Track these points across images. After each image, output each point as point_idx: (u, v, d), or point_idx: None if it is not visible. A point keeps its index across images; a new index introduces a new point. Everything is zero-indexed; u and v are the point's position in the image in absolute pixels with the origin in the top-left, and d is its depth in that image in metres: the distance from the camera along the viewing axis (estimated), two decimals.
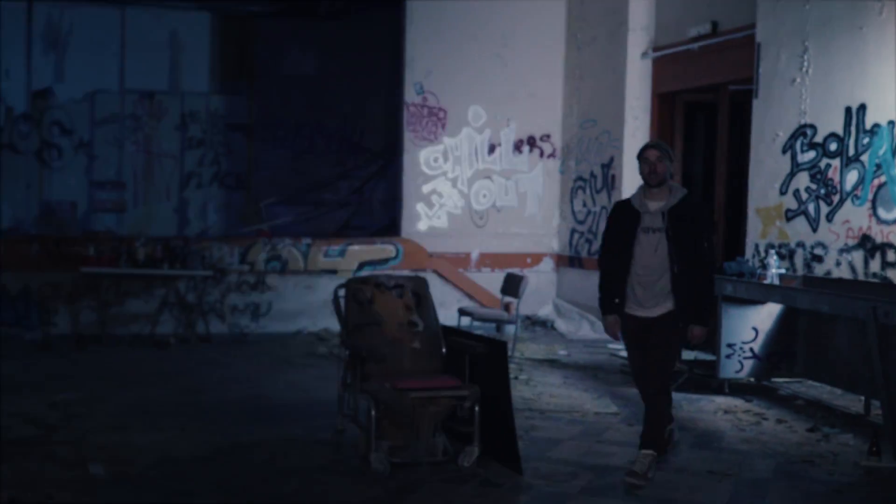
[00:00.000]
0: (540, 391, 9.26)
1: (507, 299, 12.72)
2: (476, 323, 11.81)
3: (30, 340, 11.77)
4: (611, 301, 6.50)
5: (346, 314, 6.98)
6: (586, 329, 13.17)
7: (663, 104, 12.86)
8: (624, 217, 6.42)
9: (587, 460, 6.74)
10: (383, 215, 15.52)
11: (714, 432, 7.78)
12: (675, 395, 8.96)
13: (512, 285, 11.09)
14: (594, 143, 13.60)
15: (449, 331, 7.11)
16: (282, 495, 5.91)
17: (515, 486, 6.13)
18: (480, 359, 6.55)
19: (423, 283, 7.35)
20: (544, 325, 13.83)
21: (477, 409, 6.37)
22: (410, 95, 13.70)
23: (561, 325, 13.54)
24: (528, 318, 13.96)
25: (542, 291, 14.17)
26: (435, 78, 13.75)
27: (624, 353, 11.34)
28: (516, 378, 9.85)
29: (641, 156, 6.32)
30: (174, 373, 10.08)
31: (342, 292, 7.10)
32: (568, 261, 14.13)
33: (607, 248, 6.63)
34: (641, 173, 6.35)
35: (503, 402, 6.42)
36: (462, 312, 11.17)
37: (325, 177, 16.41)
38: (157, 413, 8.04)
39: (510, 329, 12.94)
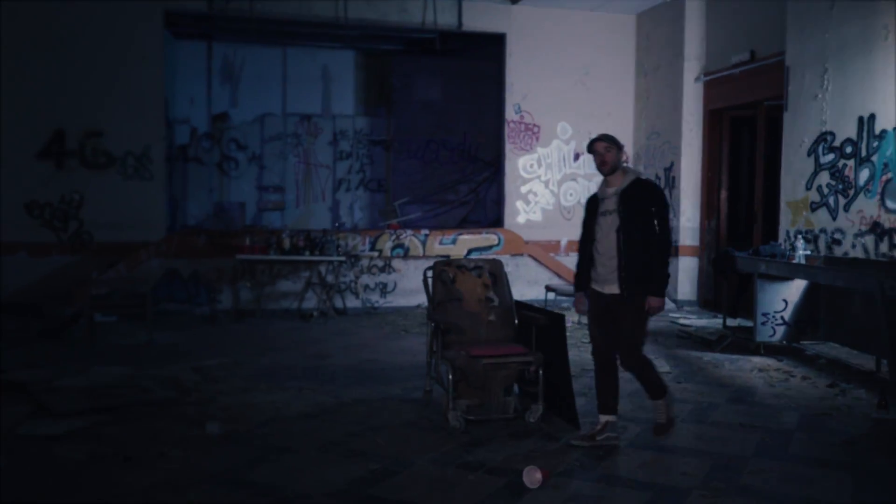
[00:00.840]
0: None
1: None
2: (559, 297, 11.85)
3: (199, 315, 12.09)
4: (579, 279, 6.04)
5: (433, 292, 6.84)
6: None
7: (713, 119, 12.62)
8: (591, 205, 5.97)
9: (638, 415, 6.61)
10: (494, 211, 15.48)
11: (749, 388, 7.63)
12: (719, 356, 8.98)
13: None
14: (658, 151, 13.42)
15: (520, 305, 6.94)
16: (369, 447, 5.75)
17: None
18: (545, 329, 6.52)
19: (498, 265, 7.05)
20: None
21: (541, 372, 6.29)
22: (510, 114, 13.72)
23: None
24: None
25: None
26: (530, 100, 13.74)
27: (680, 321, 11.38)
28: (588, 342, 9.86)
29: (591, 149, 5.81)
30: (309, 341, 10.05)
31: (430, 273, 6.94)
32: None
33: (582, 233, 6.07)
34: (596, 165, 5.86)
35: (562, 366, 6.38)
36: (548, 289, 11.20)
37: (448, 181, 16.49)
38: (283, 376, 7.94)
39: None
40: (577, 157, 13.87)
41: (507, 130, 13.66)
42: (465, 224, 15.49)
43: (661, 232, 5.68)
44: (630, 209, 5.65)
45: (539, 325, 6.52)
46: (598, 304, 5.92)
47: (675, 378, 8.04)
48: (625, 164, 5.92)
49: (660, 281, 5.71)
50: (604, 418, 5.98)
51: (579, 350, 9.39)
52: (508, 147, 13.68)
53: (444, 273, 6.87)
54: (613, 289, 5.76)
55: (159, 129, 12.61)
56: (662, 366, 8.53)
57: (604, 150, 5.75)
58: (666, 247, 5.73)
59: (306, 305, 12.44)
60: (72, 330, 10.30)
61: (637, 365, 5.91)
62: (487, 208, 15.61)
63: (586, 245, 5.98)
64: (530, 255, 13.50)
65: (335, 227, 13.14)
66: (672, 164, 12.95)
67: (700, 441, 6.06)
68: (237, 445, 5.80)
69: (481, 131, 15.49)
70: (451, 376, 6.26)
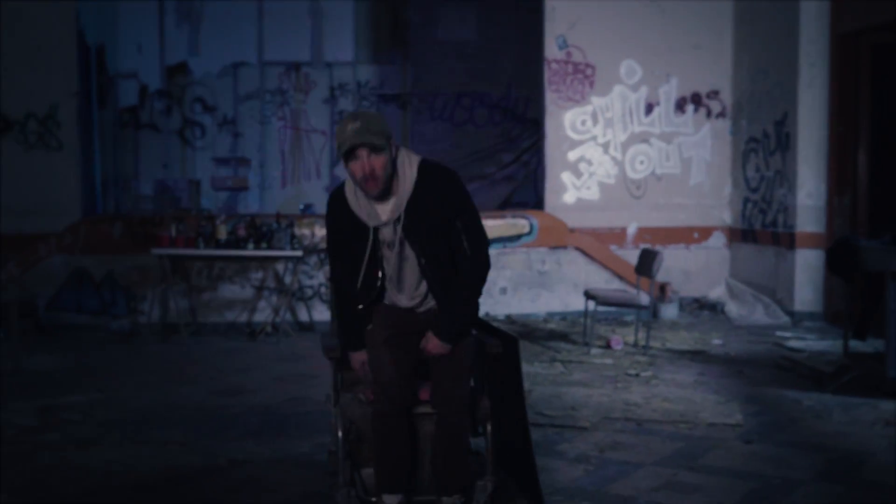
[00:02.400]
0: (655, 393, 7.62)
1: (663, 281, 11.21)
2: (604, 309, 10.22)
3: (116, 330, 11.08)
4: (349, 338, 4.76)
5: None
6: (760, 313, 11.34)
7: (845, 47, 10.82)
8: (349, 229, 4.47)
9: (656, 499, 5.14)
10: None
11: (861, 454, 6.00)
12: (831, 400, 7.42)
13: (645, 263, 9.43)
14: (765, 98, 11.67)
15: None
16: None
17: None
18: (501, 360, 5.07)
19: None
20: (714, 308, 12.06)
21: (489, 427, 4.93)
22: (552, 51, 12.10)
23: (732, 308, 11.75)
24: (696, 301, 12.24)
25: (712, 270, 12.39)
26: (580, 30, 12.08)
27: (789, 343, 9.68)
28: (637, 375, 8.30)
29: (348, 156, 4.20)
30: (235, 369, 9.04)
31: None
32: (741, 235, 12.27)
33: (336, 270, 4.76)
34: (352, 177, 4.30)
35: (518, 416, 4.92)
36: (588, 296, 9.61)
37: (487, 149, 15.15)
38: (158, 422, 6.95)
39: (668, 312, 11.38)
40: (649, 108, 12.20)
41: (547, 74, 12.09)
42: (509, 207, 14.05)
43: (474, 248, 4.49)
44: (423, 230, 4.39)
45: (491, 353, 5.00)
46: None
47: (743, 434, 6.43)
48: (395, 151, 4.38)
49: (455, 321, 4.54)
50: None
51: (617, 388, 7.84)
52: (550, 97, 12.11)
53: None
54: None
55: (69, 81, 11.52)
56: (732, 414, 6.91)
57: (368, 156, 4.21)
58: (482, 271, 4.58)
59: (259, 318, 11.14)
60: None
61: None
62: (539, 185, 14.07)
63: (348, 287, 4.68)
64: (577, 248, 11.91)
65: (302, 211, 11.77)
66: (785, 116, 11.20)
67: None
68: None
69: (531, 81, 14.00)
70: (340, 435, 4.84)
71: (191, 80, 14.92)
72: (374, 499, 4.71)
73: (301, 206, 12.17)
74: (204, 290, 11.35)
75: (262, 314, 11.18)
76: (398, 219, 4.34)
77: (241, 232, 10.46)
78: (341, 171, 14.65)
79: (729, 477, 5.49)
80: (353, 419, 4.81)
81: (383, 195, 4.30)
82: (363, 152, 4.14)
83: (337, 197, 4.47)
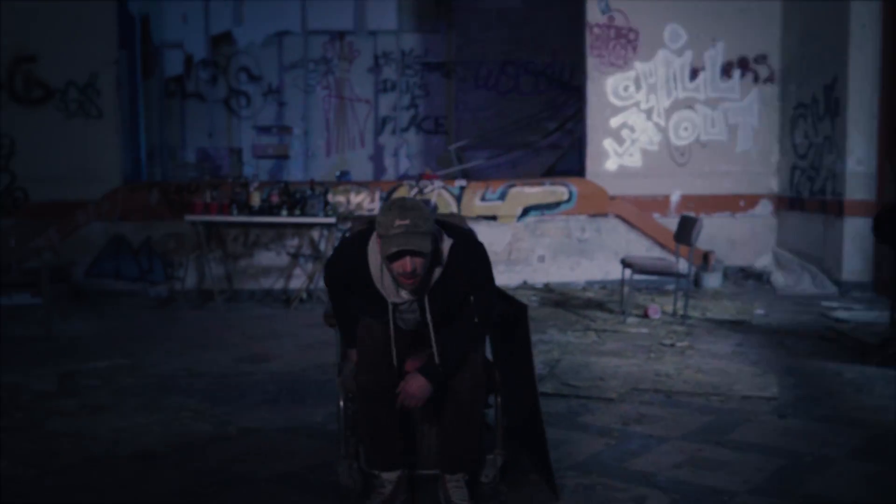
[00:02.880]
0: (688, 364, 7.16)
1: (706, 250, 10.73)
2: (642, 277, 9.76)
3: (154, 297, 10.86)
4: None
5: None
6: (807, 283, 10.81)
7: None
8: (362, 286, 4.21)
9: (678, 476, 4.70)
10: None
11: None
12: (875, 372, 6.96)
13: (684, 230, 8.96)
14: (815, 62, 11.05)
15: None
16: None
17: None
18: (509, 326, 4.69)
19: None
20: (759, 278, 11.53)
21: (498, 399, 4.56)
22: (594, 15, 11.57)
23: (778, 278, 11.22)
24: (741, 270, 11.71)
25: (758, 239, 11.83)
26: None
27: (835, 313, 9.17)
28: (672, 346, 7.84)
29: (395, 258, 3.88)
30: (264, 335, 8.72)
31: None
32: (788, 203, 11.70)
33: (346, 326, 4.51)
34: (388, 269, 3.98)
35: (528, 389, 4.54)
36: (625, 264, 9.16)
37: (531, 118, 14.71)
38: (177, 388, 6.65)
39: (711, 282, 10.89)
40: (694, 74, 11.64)
41: (589, 39, 11.57)
42: (553, 176, 13.61)
43: (481, 318, 4.26)
44: (443, 307, 4.19)
45: (501, 319, 4.64)
46: None
47: (778, 408, 5.96)
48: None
49: (445, 363, 4.16)
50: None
51: (650, 358, 7.41)
52: (592, 62, 11.58)
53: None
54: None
55: (109, 50, 11.22)
56: (769, 387, 6.44)
57: (412, 258, 3.91)
58: (481, 334, 4.34)
59: (295, 285, 10.82)
60: None
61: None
62: (583, 153, 13.63)
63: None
64: (618, 216, 11.42)
65: (338, 178, 11.43)
66: (835, 81, 10.60)
67: None
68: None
69: (576, 48, 13.53)
70: (341, 405, 4.51)
71: (235, 50, 14.69)
72: (375, 472, 4.38)
73: (337, 174, 11.85)
74: (240, 257, 11.05)
75: (298, 281, 10.84)
76: (422, 301, 4.11)
77: (275, 199, 10.14)
78: (386, 140, 14.40)
79: (758, 453, 5.04)
80: (352, 391, 4.47)
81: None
82: (410, 262, 3.86)
83: (357, 252, 4.14)
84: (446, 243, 4.08)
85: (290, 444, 5.30)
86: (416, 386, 4.05)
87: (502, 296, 4.83)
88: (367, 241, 4.10)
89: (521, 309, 4.51)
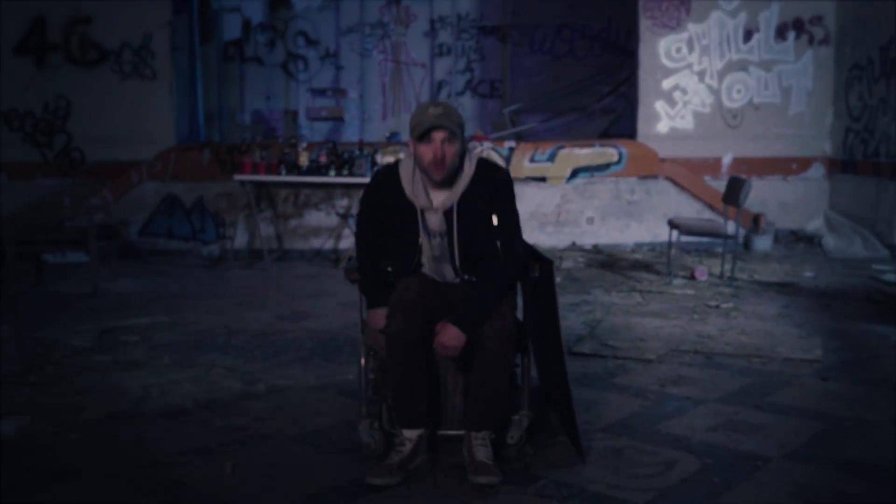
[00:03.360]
0: (732, 326, 6.83)
1: (757, 213, 10.32)
2: (691, 239, 9.40)
3: (206, 255, 10.71)
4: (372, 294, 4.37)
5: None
6: (858, 246, 10.35)
7: None
8: (391, 207, 4.21)
9: (712, 439, 4.41)
10: None
11: None
12: None
13: (733, 191, 8.57)
14: (871, 22, 10.54)
15: None
16: (198, 480, 4.12)
17: (550, 494, 3.83)
18: (537, 286, 4.41)
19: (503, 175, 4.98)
20: (811, 241, 11.09)
21: (523, 360, 4.30)
22: None
23: (829, 241, 10.76)
24: (792, 233, 11.27)
25: (810, 202, 11.36)
26: None
27: (885, 276, 8.76)
28: (717, 307, 7.51)
29: (423, 137, 3.96)
30: (307, 294, 8.48)
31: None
32: (841, 166, 11.22)
33: (364, 246, 4.43)
34: (419, 159, 4.02)
35: (554, 347, 4.27)
36: (672, 225, 8.81)
37: (585, 81, 14.30)
38: (213, 346, 6.46)
39: (761, 244, 10.49)
40: (748, 35, 11.16)
41: (641, 0, 11.15)
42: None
43: (506, 251, 4.16)
44: (470, 225, 4.13)
45: (529, 278, 4.36)
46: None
47: (820, 371, 5.63)
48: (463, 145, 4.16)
49: (475, 313, 4.01)
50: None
51: (693, 320, 7.10)
52: (644, 23, 11.15)
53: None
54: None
55: (162, 12, 11.03)
56: (812, 349, 6.11)
57: (443, 142, 3.98)
58: (510, 273, 4.19)
59: (345, 245, 10.59)
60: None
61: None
62: (635, 116, 13.26)
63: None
64: (668, 178, 11.03)
65: (388, 139, 11.17)
66: (891, 42, 10.06)
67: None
68: (3, 460, 4.25)
69: (631, 11, 13.12)
70: (363, 363, 4.29)
71: (293, 14, 14.42)
72: (396, 431, 4.16)
73: (387, 135, 11.59)
74: (290, 217, 10.85)
75: (348, 241, 10.55)
76: (449, 209, 4.09)
77: (323, 159, 9.91)
78: None
79: (796, 417, 4.74)
80: (375, 348, 4.24)
81: (443, 184, 4.05)
82: (439, 137, 3.93)
83: (387, 173, 4.24)
84: (473, 160, 4.15)
85: (318, 403, 5.10)
86: (449, 336, 3.92)
87: (528, 249, 4.56)
88: (397, 164, 4.22)
89: (546, 264, 4.23)
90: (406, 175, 4.12)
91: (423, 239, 4.14)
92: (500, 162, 10.73)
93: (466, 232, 4.09)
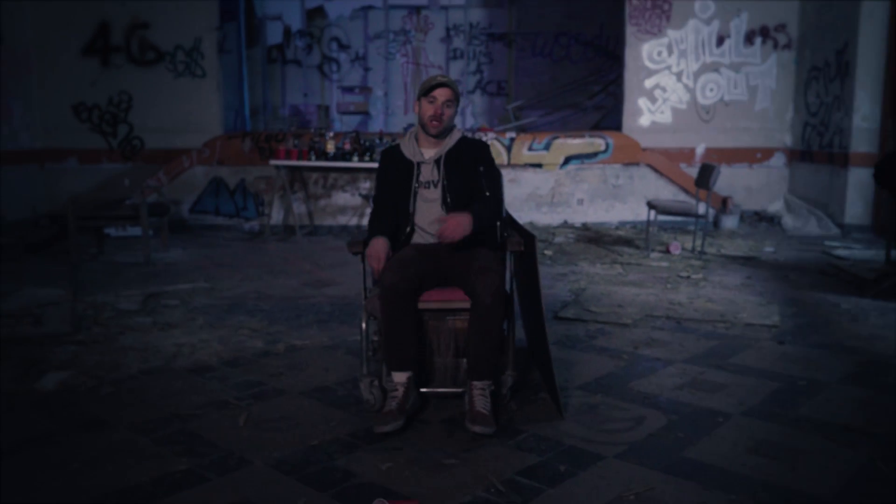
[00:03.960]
0: (700, 294, 6.52)
1: (725, 196, 9.95)
2: (666, 218, 9.08)
3: (248, 230, 10.45)
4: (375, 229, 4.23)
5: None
6: (813, 225, 9.99)
7: None
8: (394, 168, 4.20)
9: (679, 397, 4.12)
10: None
11: (892, 357, 4.82)
12: (869, 304, 6.22)
13: (704, 176, 8.23)
14: (829, 29, 10.12)
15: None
16: (215, 434, 3.91)
17: (529, 447, 3.57)
18: (523, 258, 4.13)
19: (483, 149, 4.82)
20: (771, 220, 10.72)
21: (512, 325, 4.02)
22: None
23: (787, 221, 10.40)
24: (755, 213, 10.91)
25: (772, 187, 11.00)
26: None
27: (836, 251, 8.42)
28: (688, 277, 7.20)
29: (426, 93, 4.04)
30: (333, 264, 8.14)
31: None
32: (800, 155, 10.83)
33: (376, 207, 4.29)
34: (421, 115, 4.09)
35: (535, 312, 3.99)
36: (650, 206, 8.49)
37: (580, 82, 13.96)
38: (244, 309, 6.16)
39: (728, 223, 10.15)
40: (720, 41, 10.76)
41: (628, 9, 10.74)
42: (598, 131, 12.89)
43: (491, 192, 4.17)
44: (456, 175, 4.14)
45: (514, 251, 4.09)
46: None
47: (777, 335, 5.32)
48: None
49: (476, 211, 3.98)
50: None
51: (666, 289, 6.80)
52: (630, 30, 10.77)
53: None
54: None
55: (211, 18, 10.73)
56: (771, 315, 5.80)
57: (445, 102, 4.08)
58: (496, 209, 4.17)
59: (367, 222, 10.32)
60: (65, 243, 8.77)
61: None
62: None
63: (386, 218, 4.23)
64: (648, 165, 10.68)
65: (405, 130, 10.86)
66: (846, 46, 9.68)
67: (741, 462, 3.46)
68: (42, 411, 4.03)
69: (620, 20, 12.74)
70: (363, 325, 4.02)
71: (327, 23, 14.14)
72: (389, 385, 3.90)
73: (405, 126, 11.30)
74: (320, 197, 10.57)
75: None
76: (439, 160, 4.11)
77: (347, 146, 9.62)
78: None
79: (755, 377, 4.44)
80: (375, 314, 3.97)
81: (436, 138, 4.12)
82: (442, 95, 4.02)
83: (391, 150, 4.30)
84: (458, 131, 4.25)
85: (328, 361, 4.82)
86: (455, 220, 3.84)
87: (512, 222, 4.31)
88: (398, 144, 4.26)
89: (529, 238, 3.94)
90: (405, 141, 4.22)
91: (416, 185, 4.12)
92: (502, 152, 10.42)
93: (455, 178, 4.09)
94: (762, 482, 3.17)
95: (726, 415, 3.87)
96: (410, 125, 11.25)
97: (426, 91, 4.02)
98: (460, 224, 3.81)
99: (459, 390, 4.02)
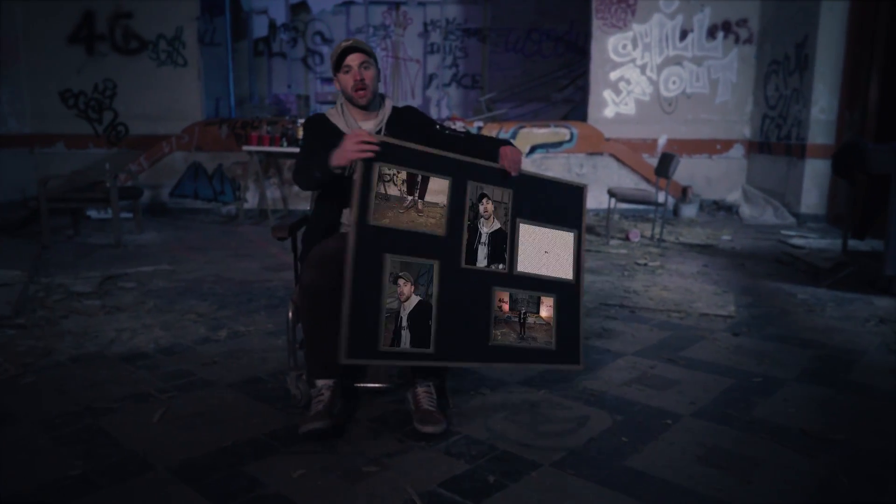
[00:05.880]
0: (656, 282, 5.95)
1: (685, 185, 9.36)
2: (624, 206, 8.49)
3: (225, 214, 9.84)
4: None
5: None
6: (769, 214, 9.43)
7: None
8: (328, 138, 3.20)
9: (626, 395, 3.54)
10: None
11: (850, 352, 4.22)
12: (826, 294, 5.61)
13: (664, 165, 7.64)
14: (789, 22, 9.53)
15: None
16: (120, 430, 3.29)
17: (459, 451, 3.07)
18: None
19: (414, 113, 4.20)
20: (730, 210, 10.15)
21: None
22: None
23: (745, 210, 9.83)
24: (714, 203, 10.34)
25: (731, 177, 10.42)
26: None
27: (792, 240, 7.85)
28: (645, 265, 6.62)
29: (339, 65, 3.27)
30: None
31: None
32: (758, 147, 10.25)
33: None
34: (344, 89, 3.30)
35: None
36: (610, 194, 7.90)
37: (550, 76, 13.32)
38: (198, 293, 5.59)
39: (687, 212, 9.57)
40: (684, 35, 10.15)
41: (594, 3, 10.12)
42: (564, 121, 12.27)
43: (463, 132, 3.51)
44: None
45: None
46: None
47: (733, 326, 4.74)
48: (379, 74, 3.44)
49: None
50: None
51: (623, 276, 6.21)
52: (596, 24, 10.15)
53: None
54: None
55: (191, 9, 10.05)
56: (726, 305, 5.22)
57: (360, 65, 3.28)
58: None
59: None
60: (35, 226, 8.14)
61: None
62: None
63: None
64: (612, 155, 10.08)
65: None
66: (806, 39, 9.09)
67: (687, 474, 2.87)
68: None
69: (588, 16, 12.10)
70: (290, 316, 3.40)
71: (311, 17, 13.44)
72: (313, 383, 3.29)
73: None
74: (293, 182, 9.97)
75: None
76: (380, 131, 3.30)
77: None
78: (432, 93, 13.11)
79: (708, 372, 3.86)
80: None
81: (368, 108, 3.33)
82: (355, 61, 3.24)
83: (317, 117, 3.44)
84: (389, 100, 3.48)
85: (267, 349, 4.22)
86: (515, 151, 3.24)
87: None
88: (323, 114, 3.45)
89: None
90: (334, 113, 3.40)
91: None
92: None
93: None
94: (710, 499, 2.58)
95: (675, 416, 3.29)
96: None
97: (337, 63, 3.28)
98: (518, 152, 3.25)
99: (391, 386, 3.43)
